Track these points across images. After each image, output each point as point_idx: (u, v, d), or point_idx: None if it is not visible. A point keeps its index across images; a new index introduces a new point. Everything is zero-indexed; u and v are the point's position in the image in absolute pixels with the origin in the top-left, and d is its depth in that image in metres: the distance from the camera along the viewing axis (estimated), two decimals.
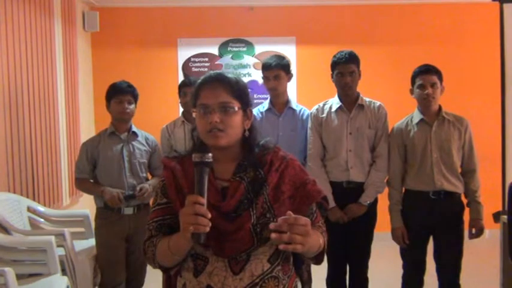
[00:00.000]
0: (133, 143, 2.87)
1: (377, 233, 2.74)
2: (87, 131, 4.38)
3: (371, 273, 2.77)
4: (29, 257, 2.53)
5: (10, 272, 2.17)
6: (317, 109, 2.79)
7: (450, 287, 2.62)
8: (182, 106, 3.11)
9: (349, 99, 2.72)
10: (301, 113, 2.89)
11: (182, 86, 3.05)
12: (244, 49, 4.93)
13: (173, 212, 1.30)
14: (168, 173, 1.34)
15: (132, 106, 2.83)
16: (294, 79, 4.79)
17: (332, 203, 2.60)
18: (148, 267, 2.85)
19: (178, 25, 4.88)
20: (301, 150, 2.78)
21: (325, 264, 2.69)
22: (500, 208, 2.99)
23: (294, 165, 1.36)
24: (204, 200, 1.13)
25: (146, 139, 2.94)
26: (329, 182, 2.68)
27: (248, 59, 4.93)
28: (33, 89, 3.36)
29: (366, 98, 2.76)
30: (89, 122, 4.63)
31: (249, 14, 4.88)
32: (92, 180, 2.85)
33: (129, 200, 2.76)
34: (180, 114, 3.16)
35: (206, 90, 1.30)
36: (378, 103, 2.75)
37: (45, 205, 3.36)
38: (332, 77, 2.72)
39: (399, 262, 2.74)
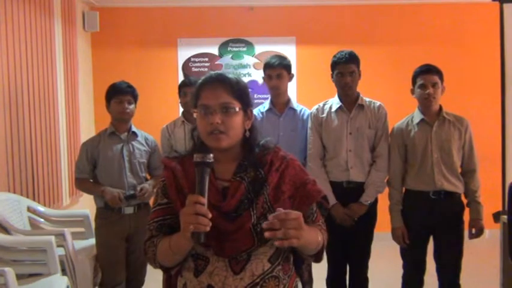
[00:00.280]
0: (133, 143, 2.87)
1: (377, 233, 2.74)
2: (87, 131, 4.38)
3: (371, 273, 2.77)
4: (29, 257, 2.53)
5: (10, 272, 2.17)
6: (317, 109, 2.79)
7: (450, 287, 2.62)
8: (182, 106, 3.11)
9: (349, 99, 2.72)
10: (302, 113, 2.90)
11: (182, 86, 3.05)
12: (244, 49, 4.93)
13: (174, 212, 1.30)
14: (169, 173, 1.34)
15: (132, 106, 2.83)
16: (294, 79, 4.82)
17: (333, 200, 2.60)
18: (149, 267, 2.86)
19: (178, 25, 4.88)
20: (301, 150, 2.78)
21: (325, 264, 2.69)
22: (500, 208, 2.99)
23: (294, 165, 1.36)
24: (205, 200, 1.14)
25: (146, 139, 2.95)
26: (329, 182, 2.68)
27: (248, 59, 4.93)
28: (33, 89, 3.36)
29: (366, 98, 2.76)
30: (89, 122, 4.63)
31: (249, 14, 4.88)
32: (91, 180, 2.86)
33: (129, 200, 2.76)
34: (180, 114, 3.16)
35: (207, 90, 1.30)
36: (377, 103, 2.76)
37: (45, 205, 3.36)
38: (332, 77, 2.72)
39: (399, 262, 2.74)
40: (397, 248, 2.71)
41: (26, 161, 3.19)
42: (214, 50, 4.92)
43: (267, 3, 4.88)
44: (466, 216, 2.62)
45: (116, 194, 2.70)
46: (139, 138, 2.91)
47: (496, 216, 2.94)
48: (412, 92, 2.65)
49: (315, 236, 1.28)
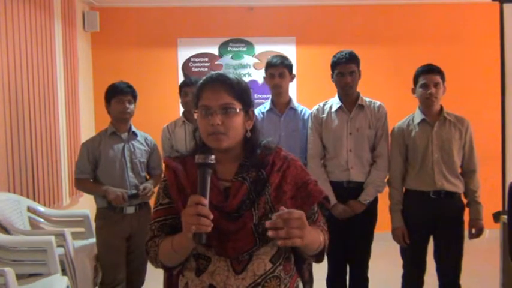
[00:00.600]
0: (134, 142, 2.88)
1: (377, 233, 2.75)
2: (87, 131, 4.38)
3: (371, 273, 2.77)
4: (29, 257, 2.53)
5: (10, 272, 2.17)
6: (317, 109, 2.80)
7: (450, 287, 2.62)
8: (183, 106, 3.12)
9: (349, 99, 2.72)
10: (303, 113, 2.90)
11: (183, 86, 3.06)
12: (244, 49, 4.93)
13: (175, 212, 1.30)
14: (170, 173, 1.34)
15: (132, 106, 2.84)
16: (294, 79, 4.83)
17: (334, 200, 2.60)
18: (149, 267, 2.86)
19: (178, 25, 4.88)
20: (302, 150, 2.78)
21: (325, 264, 2.69)
22: (500, 208, 2.99)
23: (296, 165, 1.36)
24: (207, 201, 1.14)
25: (146, 139, 2.96)
26: (330, 182, 2.68)
27: (248, 59, 4.93)
28: (33, 89, 3.36)
29: (366, 98, 2.76)
30: (89, 122, 4.63)
31: (249, 14, 4.88)
32: (91, 180, 2.85)
33: (132, 199, 2.77)
34: (181, 114, 3.16)
35: (207, 91, 1.30)
36: (377, 103, 2.76)
37: (45, 205, 3.36)
38: (332, 77, 2.73)
39: (399, 262, 2.74)
40: (397, 248, 2.71)
41: (26, 161, 3.19)
42: (214, 50, 4.92)
43: (267, 3, 4.88)
44: (466, 216, 2.62)
45: (120, 193, 2.70)
46: (139, 138, 2.92)
47: (496, 216, 2.94)
48: (413, 91, 2.65)
49: (317, 236, 1.28)
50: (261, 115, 2.87)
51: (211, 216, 1.12)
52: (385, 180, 2.72)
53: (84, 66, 4.60)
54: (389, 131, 2.75)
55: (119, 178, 2.78)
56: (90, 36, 4.80)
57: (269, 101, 2.92)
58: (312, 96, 3.64)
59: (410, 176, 2.64)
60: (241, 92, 1.32)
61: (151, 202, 2.80)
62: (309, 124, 2.80)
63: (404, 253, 2.70)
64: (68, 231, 2.82)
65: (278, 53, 4.31)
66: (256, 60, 4.89)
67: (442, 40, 4.86)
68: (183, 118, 3.07)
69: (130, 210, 2.80)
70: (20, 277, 2.39)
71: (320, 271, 2.46)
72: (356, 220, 2.64)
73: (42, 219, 3.11)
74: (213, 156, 1.18)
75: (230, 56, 4.92)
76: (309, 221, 1.31)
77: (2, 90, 2.96)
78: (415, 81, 2.63)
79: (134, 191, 2.78)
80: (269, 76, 2.84)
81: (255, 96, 4.70)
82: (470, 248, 2.70)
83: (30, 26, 3.35)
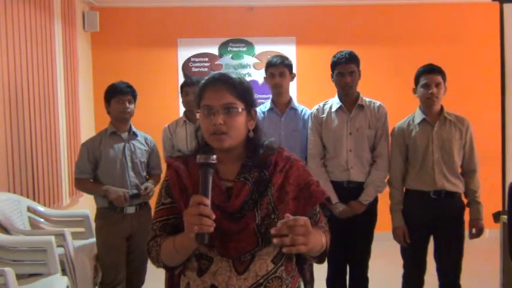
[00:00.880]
0: (134, 142, 2.88)
1: (377, 232, 2.75)
2: (87, 131, 4.38)
3: (371, 273, 2.77)
4: (29, 257, 2.53)
5: (10, 272, 2.17)
6: (317, 109, 2.80)
7: (450, 287, 2.62)
8: (184, 106, 3.12)
9: (349, 99, 2.72)
10: (303, 112, 2.91)
11: (184, 86, 3.07)
12: (244, 49, 4.93)
13: (177, 211, 1.30)
14: (172, 173, 1.34)
15: (132, 106, 2.85)
16: (294, 79, 4.83)
17: (335, 199, 2.60)
18: (149, 266, 2.87)
19: (178, 25, 4.88)
20: (302, 150, 2.79)
21: (325, 264, 2.68)
22: (500, 208, 2.99)
23: (298, 165, 1.36)
24: (209, 201, 1.14)
25: (145, 139, 2.96)
26: (330, 182, 2.67)
27: (248, 59, 4.93)
28: (33, 89, 3.36)
29: (366, 98, 2.76)
30: (89, 122, 4.62)
31: (249, 14, 4.88)
32: (92, 180, 2.85)
33: (133, 199, 2.77)
34: (182, 113, 3.16)
35: (210, 91, 1.30)
36: (377, 103, 2.76)
37: (45, 205, 3.36)
38: (332, 77, 2.73)
39: (399, 262, 2.74)
40: (397, 247, 2.71)
41: (26, 161, 3.19)
42: (214, 50, 4.92)
43: (267, 3, 4.88)
44: (467, 216, 2.62)
45: (122, 193, 2.70)
46: (139, 138, 2.92)
47: (496, 216, 2.94)
48: (414, 91, 2.65)
49: (319, 239, 1.27)
50: (262, 114, 2.88)
51: (214, 217, 1.12)
52: (385, 180, 2.72)
53: (84, 66, 4.60)
54: (390, 131, 2.75)
55: (119, 178, 2.78)
56: (90, 36, 4.80)
57: (269, 100, 2.92)
58: (312, 96, 3.64)
59: (410, 175, 2.64)
60: (244, 92, 1.31)
61: (151, 202, 2.82)
62: (309, 124, 2.80)
63: (404, 253, 2.70)
64: (68, 231, 2.82)
65: (278, 53, 4.31)
66: (256, 60, 4.89)
67: (442, 40, 4.86)
68: (184, 118, 3.07)
69: (130, 210, 2.80)
70: (20, 277, 2.39)
71: (320, 271, 2.46)
72: (356, 220, 2.63)
73: (42, 219, 3.11)
74: (214, 156, 1.18)
75: (230, 56, 4.92)
76: (311, 222, 1.30)
77: (2, 90, 2.96)
78: (416, 81, 2.62)
79: (135, 191, 2.78)
80: (269, 76, 2.84)
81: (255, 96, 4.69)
82: (470, 248, 2.70)
83: (30, 26, 3.35)
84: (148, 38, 4.85)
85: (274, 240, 1.11)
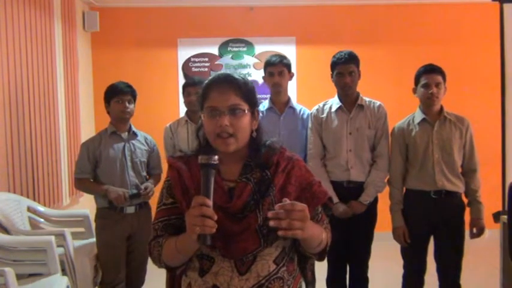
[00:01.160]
0: (134, 142, 2.88)
1: (377, 232, 2.75)
2: (87, 131, 4.38)
3: (371, 273, 2.77)
4: (29, 257, 2.53)
5: (10, 272, 2.17)
6: (317, 109, 2.80)
7: (451, 287, 2.62)
8: (186, 105, 3.11)
9: (349, 99, 2.72)
10: (302, 112, 2.91)
11: (186, 86, 3.06)
12: (244, 49, 4.93)
13: (179, 212, 1.30)
14: (174, 173, 1.33)
15: (132, 106, 2.85)
16: (294, 79, 4.80)
17: (336, 199, 2.61)
18: (149, 266, 2.87)
19: (178, 25, 4.88)
20: (301, 150, 2.79)
21: (325, 264, 2.69)
22: (500, 208, 2.99)
23: (300, 165, 1.36)
24: (211, 202, 1.13)
25: (145, 139, 2.97)
26: (330, 182, 2.67)
27: (248, 59, 4.93)
28: (33, 89, 3.36)
29: (366, 98, 2.76)
30: (89, 122, 4.62)
31: (249, 14, 4.88)
32: (91, 180, 2.86)
33: (133, 199, 2.77)
34: (184, 113, 3.15)
35: (214, 92, 1.29)
36: (377, 103, 2.76)
37: (45, 205, 3.36)
38: (332, 77, 2.73)
39: (399, 262, 2.74)
40: (397, 247, 2.71)
41: (26, 161, 3.19)
42: (214, 50, 4.92)
43: (267, 3, 4.88)
44: (467, 216, 2.62)
45: (121, 193, 2.70)
46: (139, 138, 2.92)
47: (496, 216, 2.94)
48: (414, 91, 2.65)
49: (318, 232, 1.28)
50: (261, 114, 2.87)
51: (216, 218, 1.12)
52: (385, 180, 2.72)
53: (84, 66, 4.60)
54: (390, 131, 2.75)
55: (119, 177, 2.78)
56: (90, 36, 4.80)
57: (268, 100, 2.92)
58: (312, 96, 3.64)
59: (410, 175, 2.64)
60: (248, 93, 1.31)
61: (152, 202, 2.82)
62: (309, 124, 2.80)
63: (404, 253, 2.70)
64: (68, 231, 2.82)
65: (278, 53, 4.31)
66: (256, 60, 4.89)
67: (442, 40, 4.86)
68: (186, 118, 3.07)
69: (130, 210, 2.80)
70: (20, 277, 2.39)
71: (320, 271, 2.46)
72: (356, 220, 2.64)
73: (42, 219, 3.11)
74: (216, 157, 1.17)
75: (230, 56, 4.92)
76: (313, 222, 1.30)
77: (2, 90, 2.96)
78: (416, 81, 2.63)
79: (135, 191, 2.79)
80: (268, 75, 2.84)
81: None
82: (470, 248, 2.70)
83: (30, 26, 3.35)
84: (148, 38, 4.85)
85: (271, 223, 1.11)
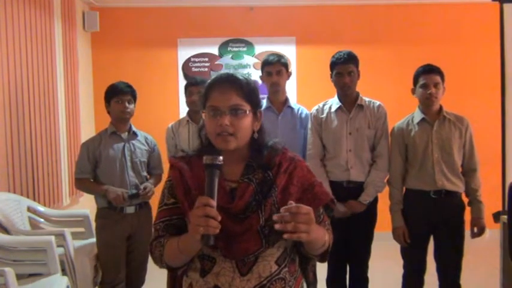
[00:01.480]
0: (134, 142, 2.88)
1: (377, 232, 2.75)
2: (87, 131, 4.38)
3: (371, 273, 2.77)
4: (29, 257, 2.53)
5: (10, 272, 2.17)
6: (317, 109, 2.80)
7: (450, 287, 2.62)
8: (188, 105, 3.10)
9: (349, 99, 2.72)
10: (300, 111, 2.91)
11: (188, 86, 3.06)
12: (244, 49, 4.93)
13: (180, 212, 1.29)
14: (176, 173, 1.33)
15: (132, 106, 2.85)
16: (294, 79, 4.83)
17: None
18: (149, 266, 2.87)
19: (178, 25, 4.88)
20: (299, 149, 2.78)
21: (325, 264, 2.68)
22: (500, 208, 2.99)
23: (302, 166, 1.35)
24: (215, 203, 1.13)
25: (146, 139, 2.96)
26: (330, 182, 2.68)
27: (248, 59, 4.93)
28: (33, 89, 3.36)
29: (366, 98, 2.76)
30: (89, 122, 4.63)
31: (249, 14, 4.88)
32: (92, 180, 2.86)
33: (132, 199, 2.77)
34: (186, 113, 3.14)
35: (216, 91, 1.29)
36: (377, 103, 2.76)
37: (45, 205, 3.36)
38: (331, 77, 2.73)
39: (399, 262, 2.74)
40: (397, 247, 2.71)
41: (26, 161, 3.19)
42: (214, 50, 4.92)
43: (267, 3, 4.88)
44: (467, 215, 2.62)
45: (120, 193, 2.71)
46: (139, 138, 2.92)
47: (496, 216, 2.94)
48: (413, 91, 2.65)
49: (322, 234, 1.27)
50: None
51: (219, 218, 1.11)
52: (385, 180, 2.72)
53: (84, 66, 4.60)
54: (389, 131, 2.75)
55: (119, 177, 2.78)
56: (90, 36, 4.80)
57: (265, 99, 2.92)
58: (312, 96, 3.64)
59: (410, 175, 2.64)
60: (250, 93, 1.30)
61: (152, 202, 2.82)
62: (309, 124, 2.80)
63: (404, 253, 2.70)
64: (68, 231, 2.83)
65: (278, 53, 4.31)
66: (256, 60, 4.89)
67: (442, 40, 4.86)
68: (187, 118, 3.06)
69: (130, 210, 2.80)
70: (20, 277, 2.39)
71: (320, 271, 2.45)
72: (356, 220, 2.64)
73: (42, 219, 3.11)
74: (221, 158, 1.17)
75: (230, 56, 4.92)
76: (316, 224, 1.30)
77: (2, 90, 2.96)
78: (415, 82, 2.63)
79: (134, 191, 2.78)
80: (266, 74, 2.84)
81: None
82: (470, 248, 2.70)
83: (30, 26, 3.35)
84: (148, 38, 4.85)
85: (276, 226, 1.11)
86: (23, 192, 3.13)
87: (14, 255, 2.50)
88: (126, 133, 2.88)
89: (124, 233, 2.82)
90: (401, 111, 2.80)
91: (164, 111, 4.64)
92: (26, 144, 3.20)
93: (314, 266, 1.46)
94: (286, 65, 2.85)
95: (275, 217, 1.12)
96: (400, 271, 2.74)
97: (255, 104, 1.32)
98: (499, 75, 3.12)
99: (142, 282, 2.98)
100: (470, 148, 2.60)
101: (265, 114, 2.91)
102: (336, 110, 2.73)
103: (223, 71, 4.52)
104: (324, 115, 2.75)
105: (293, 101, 3.03)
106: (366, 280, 2.76)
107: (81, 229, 3.23)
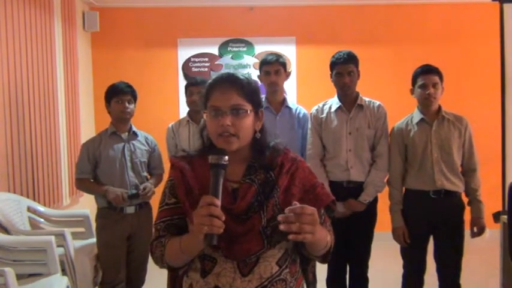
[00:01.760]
0: (134, 142, 2.88)
1: (377, 232, 2.75)
2: (87, 131, 4.38)
3: (371, 273, 2.77)
4: (29, 257, 2.53)
5: (10, 272, 2.17)
6: (317, 109, 2.80)
7: (450, 287, 2.62)
8: (188, 105, 3.10)
9: (349, 99, 2.72)
10: (298, 111, 2.91)
11: (189, 85, 3.06)
12: (244, 49, 4.93)
13: (182, 212, 1.29)
14: (177, 173, 1.32)
15: (132, 106, 2.85)
16: (294, 79, 4.83)
17: None
18: (149, 266, 2.87)
19: (178, 25, 4.88)
20: (298, 149, 2.78)
21: (325, 264, 2.69)
22: (500, 208, 2.99)
23: (304, 167, 1.35)
24: (219, 202, 1.12)
25: (146, 139, 2.96)
26: (330, 182, 2.68)
27: (248, 59, 4.93)
28: (33, 89, 3.36)
29: (366, 98, 2.76)
30: (89, 122, 4.63)
31: (249, 14, 4.88)
32: (92, 180, 2.86)
33: (132, 199, 2.77)
34: (186, 113, 3.15)
35: (217, 91, 1.28)
36: (377, 103, 2.76)
37: (45, 205, 3.36)
38: (331, 77, 2.73)
39: (399, 262, 2.74)
40: (397, 247, 2.71)
41: (26, 161, 3.20)
42: (214, 50, 4.92)
43: (267, 3, 4.88)
44: (467, 215, 2.62)
45: (120, 193, 2.71)
46: (139, 138, 2.92)
47: (496, 216, 2.94)
48: (412, 92, 2.65)
49: (325, 235, 1.27)
50: None
51: (223, 218, 1.11)
52: (385, 180, 2.72)
53: (84, 66, 4.60)
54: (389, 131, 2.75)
55: (119, 178, 2.78)
56: (90, 36, 4.80)
57: (263, 99, 2.91)
58: (312, 96, 3.65)
59: (410, 175, 2.64)
60: (252, 93, 1.30)
61: (152, 202, 2.82)
62: (309, 124, 2.80)
63: (404, 253, 2.70)
64: (68, 231, 2.83)
65: (278, 53, 4.31)
66: (256, 60, 4.88)
67: (442, 40, 4.86)
68: (188, 118, 3.06)
69: (130, 210, 2.80)
70: (20, 277, 2.39)
71: (320, 271, 2.46)
72: (356, 220, 2.64)
73: (42, 219, 3.12)
74: (226, 158, 1.16)
75: (230, 56, 4.92)
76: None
77: (2, 90, 2.96)
78: (414, 82, 2.63)
79: (134, 191, 2.78)
80: (264, 74, 2.84)
81: None
82: (470, 248, 2.70)
83: (30, 25, 3.35)
84: (148, 38, 4.85)
85: (281, 227, 1.10)
86: (23, 192, 3.13)
87: (14, 255, 2.50)
88: (126, 133, 2.88)
89: (124, 233, 2.82)
90: (401, 111, 2.80)
91: (164, 111, 4.64)
92: (26, 144, 3.20)
93: (314, 267, 1.46)
94: (284, 65, 2.85)
95: (280, 218, 1.11)
96: (400, 271, 2.74)
97: (257, 104, 1.32)
98: (499, 75, 3.12)
99: (142, 282, 2.98)
100: (470, 148, 2.60)
101: None
102: (336, 110, 2.73)
103: (224, 71, 4.53)
104: (324, 115, 2.75)
105: (292, 101, 3.03)
106: (366, 280, 2.76)
107: (81, 229, 3.23)
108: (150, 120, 3.99)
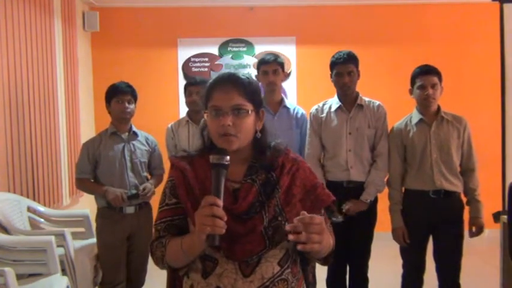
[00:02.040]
0: (134, 142, 2.88)
1: (377, 233, 2.75)
2: (87, 131, 4.39)
3: (371, 273, 2.77)
4: (29, 257, 2.53)
5: (10, 272, 2.17)
6: (316, 109, 2.80)
7: (450, 287, 2.62)
8: (187, 105, 3.10)
9: (349, 99, 2.72)
10: (295, 111, 2.91)
11: (188, 86, 3.05)
12: (244, 49, 4.93)
13: (182, 212, 1.28)
14: (178, 173, 1.31)
15: (133, 106, 2.85)
16: (294, 79, 4.84)
17: None
18: (149, 266, 2.87)
19: (178, 25, 4.88)
20: (295, 149, 2.78)
21: None
22: (500, 208, 2.99)
23: (305, 167, 1.35)
24: (221, 202, 1.12)
25: (146, 139, 2.96)
26: (329, 182, 2.68)
27: (248, 59, 4.93)
28: (33, 89, 3.36)
29: (365, 98, 2.76)
30: (89, 122, 4.63)
31: (249, 14, 4.88)
32: (92, 180, 2.86)
33: (131, 199, 2.77)
34: (185, 114, 3.15)
35: (218, 91, 1.27)
36: (377, 103, 2.76)
37: (45, 205, 3.36)
38: (331, 77, 2.73)
39: (399, 262, 2.74)
40: (397, 248, 2.71)
41: (26, 161, 3.20)
42: (214, 50, 4.92)
43: (267, 3, 4.88)
44: (466, 215, 2.62)
45: (119, 193, 2.70)
46: (140, 138, 2.92)
47: (496, 216, 2.94)
48: (411, 92, 2.65)
49: (329, 240, 1.27)
50: None
51: (226, 218, 1.11)
52: (385, 179, 2.72)
53: (84, 66, 4.60)
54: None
55: (118, 178, 2.78)
56: (90, 36, 4.80)
57: None
58: (312, 96, 3.64)
59: (409, 176, 2.64)
60: (253, 93, 1.29)
61: (152, 202, 2.82)
62: (308, 124, 2.80)
63: (404, 253, 2.70)
64: (68, 231, 2.83)
65: (278, 53, 4.31)
66: (256, 60, 4.88)
67: (442, 40, 4.86)
68: (187, 118, 3.06)
69: (130, 210, 2.80)
70: (20, 277, 2.39)
71: (320, 271, 2.46)
72: (356, 220, 2.63)
73: (42, 219, 3.12)
74: (228, 157, 1.16)
75: (230, 56, 4.92)
76: None
77: (2, 90, 2.96)
78: (412, 82, 2.62)
79: (134, 191, 2.78)
80: (262, 74, 2.84)
81: None
82: (470, 247, 2.70)
83: (30, 25, 3.35)
84: (148, 38, 4.85)
85: (290, 237, 1.10)
86: (23, 192, 3.13)
87: (14, 255, 2.50)
88: (127, 133, 2.87)
89: (124, 233, 2.82)
90: (401, 111, 2.80)
91: (164, 111, 4.64)
92: (26, 144, 3.20)
93: (314, 268, 1.46)
94: (282, 65, 2.84)
95: (288, 227, 1.11)
96: (399, 271, 2.74)
97: (258, 104, 1.31)
98: (499, 75, 3.12)
99: (142, 282, 2.98)
100: (469, 148, 2.60)
101: None
102: (336, 110, 2.73)
103: (224, 71, 4.53)
104: (324, 115, 2.75)
105: (289, 101, 3.02)
106: (366, 280, 2.76)
107: (81, 229, 3.23)
108: (150, 120, 3.99)
